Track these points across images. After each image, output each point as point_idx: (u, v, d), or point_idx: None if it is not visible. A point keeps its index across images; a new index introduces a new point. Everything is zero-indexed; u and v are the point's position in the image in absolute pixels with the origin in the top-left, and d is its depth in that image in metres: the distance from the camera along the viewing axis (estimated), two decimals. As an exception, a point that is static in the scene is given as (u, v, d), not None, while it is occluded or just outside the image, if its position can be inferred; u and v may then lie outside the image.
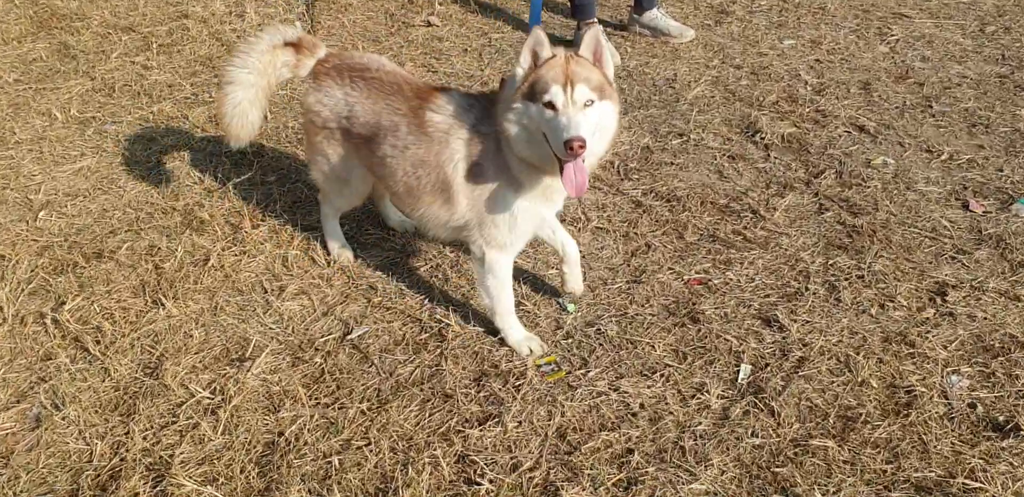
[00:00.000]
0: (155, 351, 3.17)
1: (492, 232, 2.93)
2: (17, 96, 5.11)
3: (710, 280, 3.53)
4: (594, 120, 2.57)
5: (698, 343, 3.20)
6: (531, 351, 3.13)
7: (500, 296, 3.08)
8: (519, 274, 3.56)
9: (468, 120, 2.83)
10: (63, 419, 2.89)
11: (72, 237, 3.82)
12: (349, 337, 3.24)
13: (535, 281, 3.54)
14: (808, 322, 3.28)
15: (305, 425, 2.84)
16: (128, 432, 2.82)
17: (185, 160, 4.41)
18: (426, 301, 3.43)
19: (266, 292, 3.47)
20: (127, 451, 2.77)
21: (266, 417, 2.89)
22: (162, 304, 3.37)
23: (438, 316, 3.33)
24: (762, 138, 4.54)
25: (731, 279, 3.54)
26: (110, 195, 4.14)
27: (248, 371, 3.05)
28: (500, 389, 2.99)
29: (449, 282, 3.53)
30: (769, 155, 4.43)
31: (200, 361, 3.12)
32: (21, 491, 2.66)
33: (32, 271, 3.57)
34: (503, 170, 2.81)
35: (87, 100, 5.05)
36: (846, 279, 3.52)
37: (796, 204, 4.03)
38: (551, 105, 2.51)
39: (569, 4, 5.59)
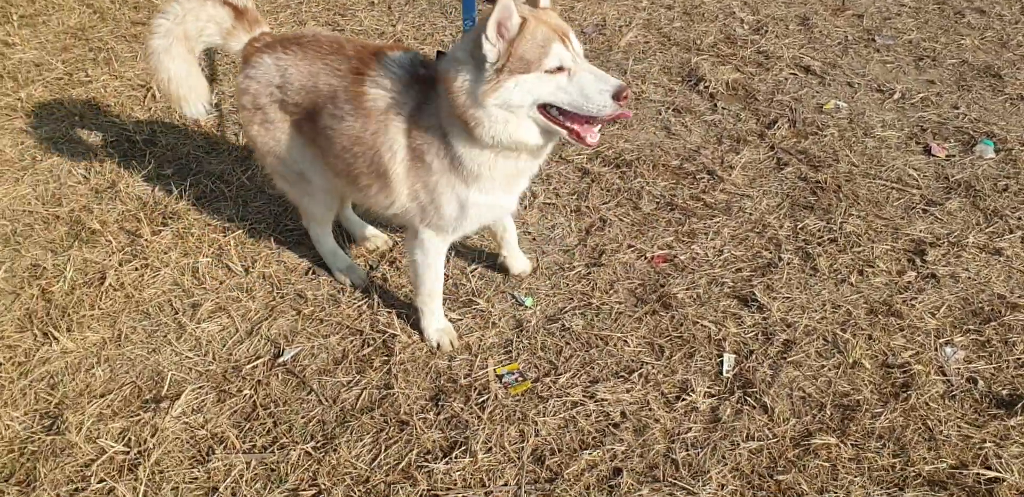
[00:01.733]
0: (53, 398, 2.69)
1: (435, 221, 2.58)
2: None
3: (676, 256, 3.21)
4: None
5: (674, 332, 2.89)
6: (439, 346, 2.86)
7: (426, 275, 2.75)
8: (467, 268, 3.18)
9: (408, 105, 2.43)
10: (-53, 495, 2.43)
11: (-63, 260, 3.25)
12: (281, 360, 2.82)
13: (486, 274, 3.16)
14: (788, 298, 3.00)
15: (242, 476, 2.45)
16: (31, 506, 2.38)
17: (65, 155, 3.82)
18: (365, 307, 3.02)
19: (177, 313, 3.00)
20: (32, 529, 2.33)
21: (194, 469, 2.47)
22: (54, 338, 2.88)
23: (381, 325, 2.94)
24: (706, 87, 4.19)
25: (698, 253, 3.22)
26: (-23, 204, 3.55)
27: (166, 414, 2.62)
28: (462, 409, 2.63)
29: (389, 281, 3.12)
30: (716, 105, 4.09)
31: (108, 406, 2.67)
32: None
33: None
34: (453, 165, 2.41)
35: (-64, 88, 4.35)
36: (819, 244, 3.24)
37: (753, 160, 3.72)
38: (559, 69, 2.15)
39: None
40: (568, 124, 2.24)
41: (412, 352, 2.84)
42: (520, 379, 2.74)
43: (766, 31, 4.69)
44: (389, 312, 2.99)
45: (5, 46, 4.64)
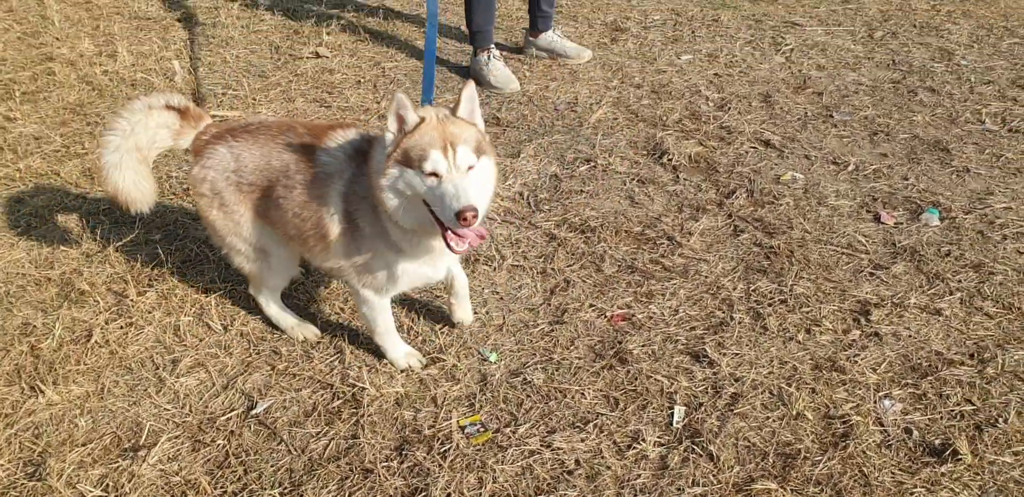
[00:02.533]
0: (37, 446, 2.83)
1: (370, 281, 2.82)
2: None
3: (634, 315, 3.40)
4: (479, 181, 2.44)
5: (629, 386, 3.05)
6: (411, 366, 3.11)
7: (376, 319, 3.00)
8: (436, 326, 3.36)
9: (347, 172, 2.65)
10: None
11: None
12: (254, 412, 2.97)
13: (453, 331, 3.33)
14: (737, 355, 3.18)
15: (211, 520, 2.57)
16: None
17: (59, 222, 4.04)
18: (336, 362, 3.18)
19: (158, 368, 3.16)
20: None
21: (167, 514, 2.60)
22: (40, 391, 3.03)
23: (351, 379, 3.10)
24: (670, 159, 4.46)
25: (655, 313, 3.41)
26: (-27, 267, 3.75)
27: (143, 461, 2.75)
28: (425, 458, 2.77)
29: (360, 338, 3.29)
30: (679, 177, 4.35)
31: (89, 454, 2.81)
32: None
33: None
34: (381, 234, 2.65)
35: (-57, 159, 4.61)
36: (769, 304, 3.43)
37: (711, 227, 3.94)
38: (433, 173, 2.35)
39: (467, 31, 5.42)
40: (441, 225, 2.40)
41: (379, 404, 2.99)
42: (482, 430, 2.89)
43: (729, 108, 5.00)
44: (359, 366, 3.15)
45: (7, 120, 4.93)
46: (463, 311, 3.27)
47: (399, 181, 2.41)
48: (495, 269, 3.67)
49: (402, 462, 2.76)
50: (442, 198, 2.33)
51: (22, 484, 2.70)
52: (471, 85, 2.49)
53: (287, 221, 2.82)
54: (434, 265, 2.77)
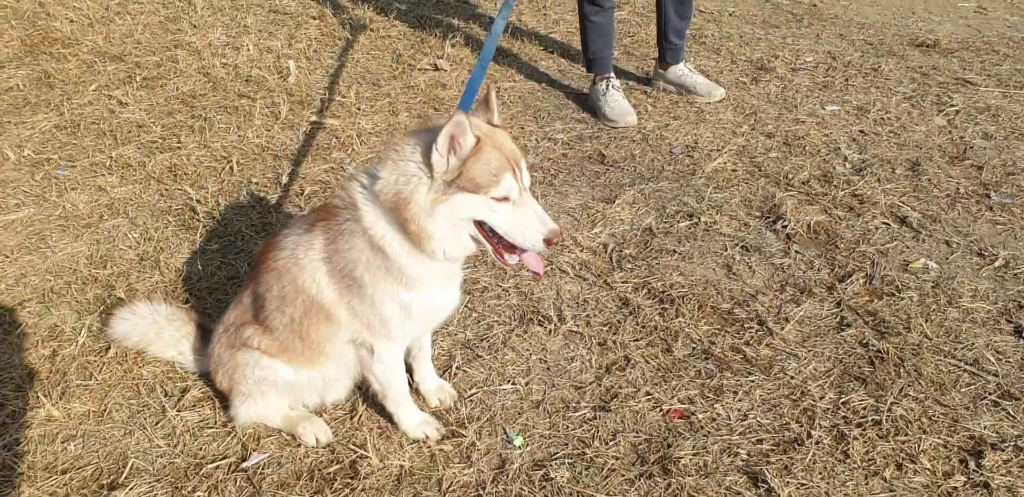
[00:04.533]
0: (17, 467, 2.67)
1: (382, 330, 2.54)
2: (-22, 129, 4.74)
3: (694, 413, 2.93)
4: None
5: (664, 503, 2.59)
6: (427, 436, 2.80)
7: (390, 381, 2.71)
8: (466, 392, 3.00)
9: (317, 240, 2.48)
10: None
11: (-27, 307, 3.38)
12: (244, 464, 2.71)
13: (483, 402, 2.97)
14: (804, 485, 2.65)
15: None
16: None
17: (128, 217, 3.95)
18: (346, 419, 2.89)
19: (166, 395, 2.96)
20: None
21: (116, 572, 2.36)
22: (42, 404, 2.88)
23: (355, 442, 2.79)
24: (784, 226, 3.92)
25: (719, 414, 2.92)
26: (35, 256, 3.69)
27: (114, 504, 2.54)
28: (407, 553, 2.42)
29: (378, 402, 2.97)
30: (790, 248, 3.80)
31: (65, 484, 2.62)
32: None
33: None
34: (391, 273, 2.40)
35: (48, 139, 4.65)
36: (859, 425, 2.88)
37: (813, 315, 3.40)
38: (504, 198, 2.20)
39: (583, 57, 5.04)
40: (495, 243, 2.29)
41: (378, 478, 2.66)
42: (482, 529, 2.51)
43: (868, 173, 4.39)
44: (370, 429, 2.84)
45: (119, 105, 4.94)
46: (430, 385, 2.98)
47: (462, 208, 2.22)
48: (549, 333, 3.27)
49: (381, 555, 2.43)
50: (522, 224, 2.23)
51: (-13, 509, 2.54)
52: (492, 88, 2.33)
53: (282, 327, 2.61)
54: (447, 288, 2.56)
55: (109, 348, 3.12)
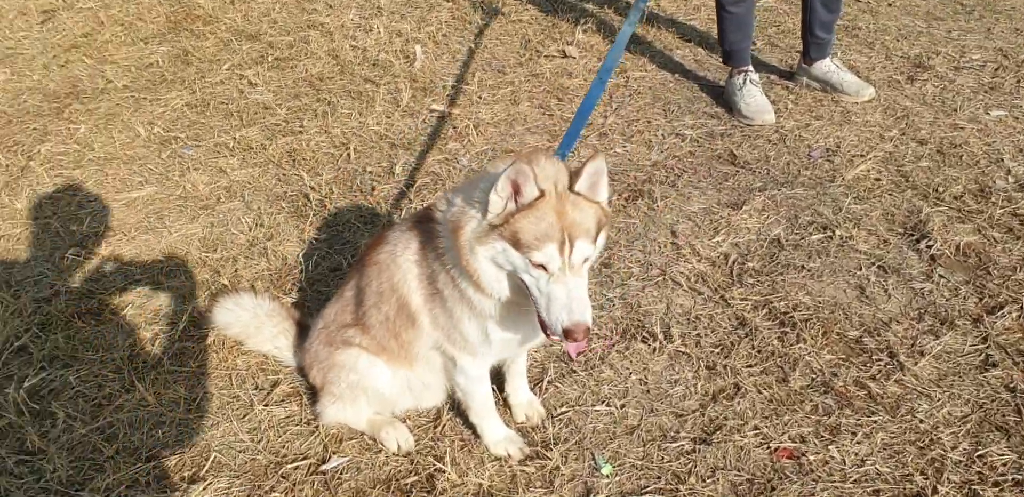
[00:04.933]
0: (105, 451, 2.71)
1: (462, 344, 2.41)
2: (117, 105, 4.91)
3: (804, 454, 2.66)
4: (589, 267, 2.07)
5: (761, 554, 2.36)
6: (510, 455, 2.66)
7: (474, 393, 2.60)
8: (556, 410, 2.84)
9: (414, 241, 2.38)
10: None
11: (89, 285, 3.47)
12: (324, 467, 2.66)
13: (573, 422, 2.80)
14: (925, 551, 2.36)
15: (223, 593, 2.28)
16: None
17: (244, 200, 3.98)
18: (431, 428, 2.79)
19: (256, 388, 2.95)
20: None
21: (187, 569, 2.35)
22: (136, 387, 2.92)
23: (437, 454, 2.68)
24: (929, 246, 3.53)
25: (833, 457, 2.65)
26: (151, 235, 3.78)
27: (193, 497, 2.54)
28: (477, 582, 2.30)
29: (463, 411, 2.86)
30: (933, 272, 3.42)
31: (148, 473, 2.64)
32: None
33: (26, 330, 3.22)
34: (464, 298, 2.25)
35: (178, 117, 4.76)
36: (996, 484, 2.54)
37: (953, 351, 3.04)
38: (542, 266, 1.99)
39: (720, 48, 4.71)
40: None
41: (454, 494, 2.55)
42: (559, 563, 2.36)
43: (1035, 189, 3.91)
44: (452, 441, 2.73)
45: (249, 85, 5.00)
46: (521, 401, 2.83)
47: (500, 256, 2.06)
48: (653, 352, 3.06)
49: (450, 580, 2.31)
50: (549, 302, 2.01)
51: (69, 494, 2.58)
52: (601, 159, 2.02)
53: (375, 325, 2.53)
54: (531, 327, 2.30)
55: (208, 336, 3.13)
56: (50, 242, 3.79)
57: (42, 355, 3.12)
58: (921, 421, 2.77)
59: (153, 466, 2.67)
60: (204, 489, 2.57)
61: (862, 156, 4.18)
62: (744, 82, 4.53)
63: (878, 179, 4.02)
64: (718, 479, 2.59)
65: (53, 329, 3.25)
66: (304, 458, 2.69)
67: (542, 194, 1.97)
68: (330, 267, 3.49)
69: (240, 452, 2.72)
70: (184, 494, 2.56)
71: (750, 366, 3.00)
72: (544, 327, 2.06)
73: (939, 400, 2.84)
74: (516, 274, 2.06)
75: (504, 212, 1.99)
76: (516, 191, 1.97)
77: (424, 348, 2.49)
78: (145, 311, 3.30)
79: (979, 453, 2.64)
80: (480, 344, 2.36)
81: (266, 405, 2.87)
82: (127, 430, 2.80)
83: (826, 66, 4.64)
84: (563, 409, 2.84)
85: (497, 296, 2.15)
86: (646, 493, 2.55)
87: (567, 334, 1.96)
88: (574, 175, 2.03)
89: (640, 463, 2.65)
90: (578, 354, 2.07)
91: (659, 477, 2.61)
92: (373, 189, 4.03)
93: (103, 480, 2.61)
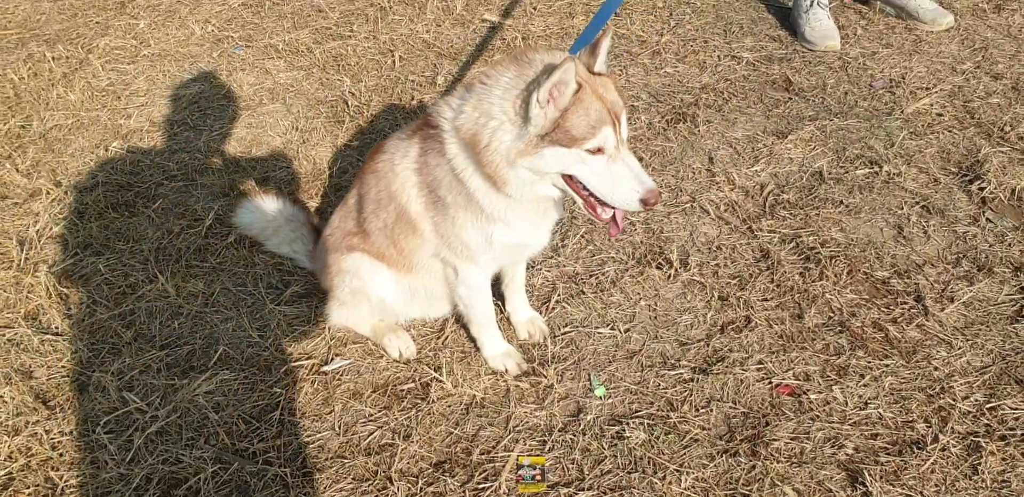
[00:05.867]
0: (123, 337, 2.82)
1: (464, 252, 2.41)
2: (177, 2, 4.91)
3: (806, 392, 2.60)
4: None
5: (743, 487, 2.34)
6: (507, 369, 2.69)
7: (473, 304, 2.60)
8: (560, 330, 2.83)
9: (413, 149, 2.36)
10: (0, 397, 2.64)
11: (127, 178, 3.54)
12: (324, 368, 2.71)
13: (574, 342, 2.79)
14: (910, 496, 2.30)
15: (215, 477, 2.38)
16: (37, 435, 2.51)
17: (285, 103, 3.97)
18: (433, 338, 2.81)
19: (271, 287, 3.01)
20: (30, 457, 2.46)
21: (182, 451, 2.45)
22: (159, 279, 3.01)
23: (434, 365, 2.71)
24: (982, 188, 3.33)
25: (835, 397, 2.58)
26: (192, 132, 3.82)
27: (198, 386, 2.63)
28: (455, 489, 2.35)
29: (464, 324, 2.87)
30: (981, 215, 3.24)
31: (160, 359, 2.74)
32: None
33: (63, 217, 3.32)
34: (471, 203, 2.26)
35: (233, 16, 4.73)
36: (1002, 438, 2.45)
37: (985, 299, 2.90)
38: (599, 150, 2.02)
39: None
40: (586, 196, 2.12)
41: (447, 404, 2.59)
42: (538, 478, 2.39)
43: (1114, 133, 3.62)
44: (453, 352, 2.75)
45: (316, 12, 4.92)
46: (523, 318, 2.83)
47: (549, 162, 2.05)
48: (668, 278, 2.99)
49: (429, 484, 2.37)
50: (615, 182, 2.05)
51: (84, 373, 2.70)
52: (609, 35, 2.07)
53: (377, 231, 2.53)
54: (537, 227, 2.40)
55: (230, 234, 3.18)
56: (98, 134, 3.86)
57: (76, 242, 3.22)
58: (936, 369, 2.67)
59: (166, 354, 2.76)
60: (209, 378, 2.65)
61: (927, 89, 3.92)
62: (812, 4, 4.26)
63: (940, 114, 3.77)
64: (712, 410, 2.56)
65: (89, 218, 3.34)
66: (308, 358, 2.76)
67: (580, 87, 1.96)
68: (356, 175, 3.48)
69: (248, 347, 2.79)
70: (191, 382, 2.65)
71: (765, 300, 2.92)
72: (595, 211, 2.13)
73: (959, 348, 2.73)
74: (562, 173, 2.07)
75: (548, 119, 1.98)
76: (552, 94, 1.95)
77: (425, 255, 2.49)
78: (176, 206, 3.36)
79: (991, 405, 2.54)
80: (482, 251, 2.36)
81: (277, 304, 2.93)
82: (145, 318, 2.90)
83: (904, -10, 4.31)
84: (566, 329, 2.82)
85: (525, 198, 2.16)
86: (636, 417, 2.54)
87: (644, 202, 2.02)
88: (589, 57, 2.06)
89: (635, 388, 2.63)
90: (617, 233, 2.18)
91: (652, 403, 2.59)
92: (413, 98, 3.97)
93: (118, 363, 2.71)
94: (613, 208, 2.12)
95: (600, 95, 2.00)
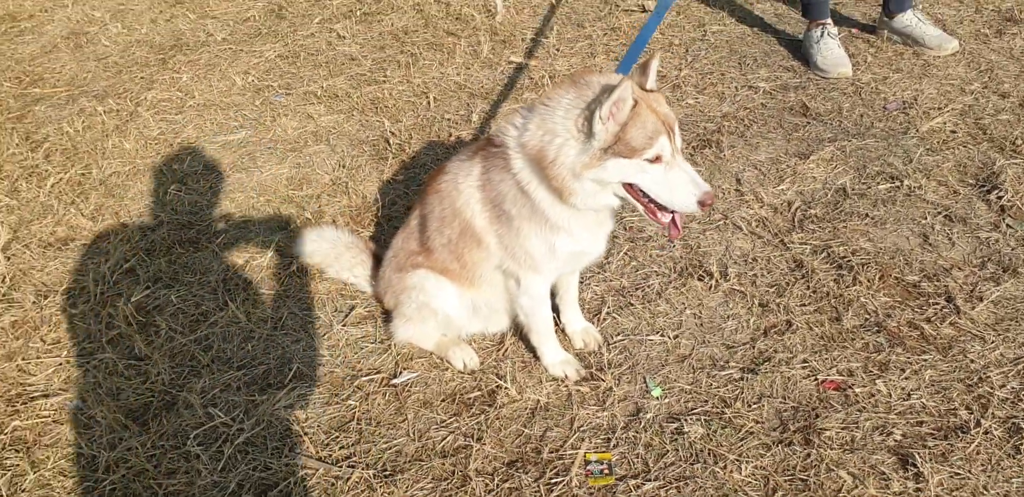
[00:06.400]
0: (201, 359, 3.00)
1: (528, 262, 2.61)
2: (216, 56, 5.21)
3: (851, 387, 2.76)
4: None
5: (800, 473, 2.49)
6: (566, 375, 2.85)
7: (534, 313, 2.78)
8: (613, 337, 3.00)
9: (475, 168, 2.57)
10: (89, 419, 2.81)
11: (188, 217, 3.77)
12: (394, 381, 2.88)
13: (628, 348, 2.96)
14: (959, 475, 2.44)
15: (305, 480, 2.54)
16: (132, 449, 2.68)
17: (329, 144, 4.22)
18: (494, 350, 2.99)
19: (335, 310, 3.20)
20: (128, 469, 2.62)
21: (270, 459, 2.62)
22: (228, 306, 3.20)
23: (499, 372, 2.88)
24: (1000, 197, 3.52)
25: (879, 390, 2.74)
26: (243, 174, 4.06)
27: (278, 401, 2.80)
28: (529, 484, 2.50)
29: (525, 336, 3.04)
30: (1002, 222, 3.42)
31: (238, 379, 2.92)
32: (22, 490, 2.60)
33: (133, 254, 3.54)
34: (535, 214, 2.47)
35: (271, 67, 5.02)
36: (1043, 421, 2.59)
37: (1013, 297, 3.06)
38: (657, 158, 2.23)
39: (799, 2, 4.70)
40: (646, 202, 2.32)
41: (513, 409, 2.75)
42: (607, 472, 2.54)
43: (1120, 143, 3.83)
44: (514, 362, 2.92)
45: (337, 38, 5.23)
46: (577, 328, 3.01)
47: (612, 172, 2.25)
48: (709, 289, 3.18)
49: (505, 481, 2.52)
50: (673, 187, 2.25)
51: (170, 393, 2.88)
52: (658, 57, 2.32)
53: (440, 247, 2.74)
54: (595, 235, 2.61)
55: (292, 263, 3.39)
56: (155, 179, 4.11)
57: (147, 276, 3.43)
58: (972, 361, 2.82)
59: (243, 373, 2.94)
60: (287, 393, 2.83)
61: (939, 109, 4.15)
62: (822, 35, 4.52)
63: (954, 131, 3.99)
64: (763, 405, 2.72)
65: (157, 254, 3.55)
66: (377, 372, 2.93)
67: (636, 103, 2.17)
68: (405, 205, 3.70)
69: (319, 365, 2.97)
70: (270, 397, 2.82)
71: (804, 305, 3.09)
72: (655, 216, 2.33)
73: (992, 342, 2.89)
74: (623, 183, 2.27)
75: (609, 134, 2.19)
76: (613, 110, 2.17)
77: (488, 268, 2.68)
78: (237, 241, 3.58)
79: (1027, 392, 2.69)
80: (546, 260, 2.56)
81: (343, 325, 3.12)
82: (221, 342, 3.08)
83: (907, 19, 4.58)
84: (619, 337, 3.00)
85: (588, 207, 2.37)
86: (693, 414, 2.69)
87: (701, 204, 2.22)
88: (641, 76, 2.30)
89: (689, 388, 2.79)
90: (678, 235, 2.41)
91: (706, 401, 2.75)
92: (451, 135, 4.21)
93: (200, 383, 2.89)
94: (671, 212, 2.31)
95: (654, 109, 2.22)
